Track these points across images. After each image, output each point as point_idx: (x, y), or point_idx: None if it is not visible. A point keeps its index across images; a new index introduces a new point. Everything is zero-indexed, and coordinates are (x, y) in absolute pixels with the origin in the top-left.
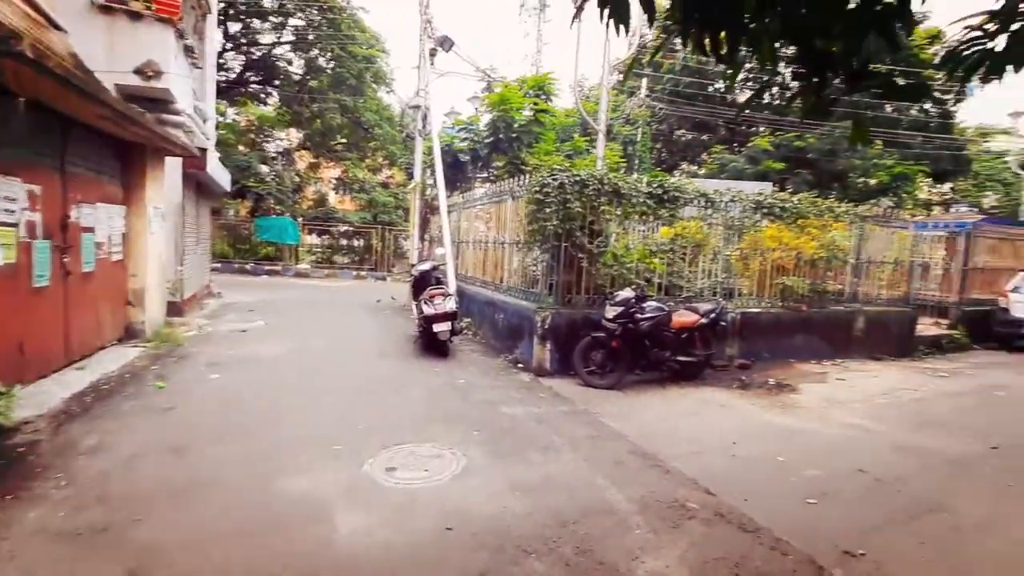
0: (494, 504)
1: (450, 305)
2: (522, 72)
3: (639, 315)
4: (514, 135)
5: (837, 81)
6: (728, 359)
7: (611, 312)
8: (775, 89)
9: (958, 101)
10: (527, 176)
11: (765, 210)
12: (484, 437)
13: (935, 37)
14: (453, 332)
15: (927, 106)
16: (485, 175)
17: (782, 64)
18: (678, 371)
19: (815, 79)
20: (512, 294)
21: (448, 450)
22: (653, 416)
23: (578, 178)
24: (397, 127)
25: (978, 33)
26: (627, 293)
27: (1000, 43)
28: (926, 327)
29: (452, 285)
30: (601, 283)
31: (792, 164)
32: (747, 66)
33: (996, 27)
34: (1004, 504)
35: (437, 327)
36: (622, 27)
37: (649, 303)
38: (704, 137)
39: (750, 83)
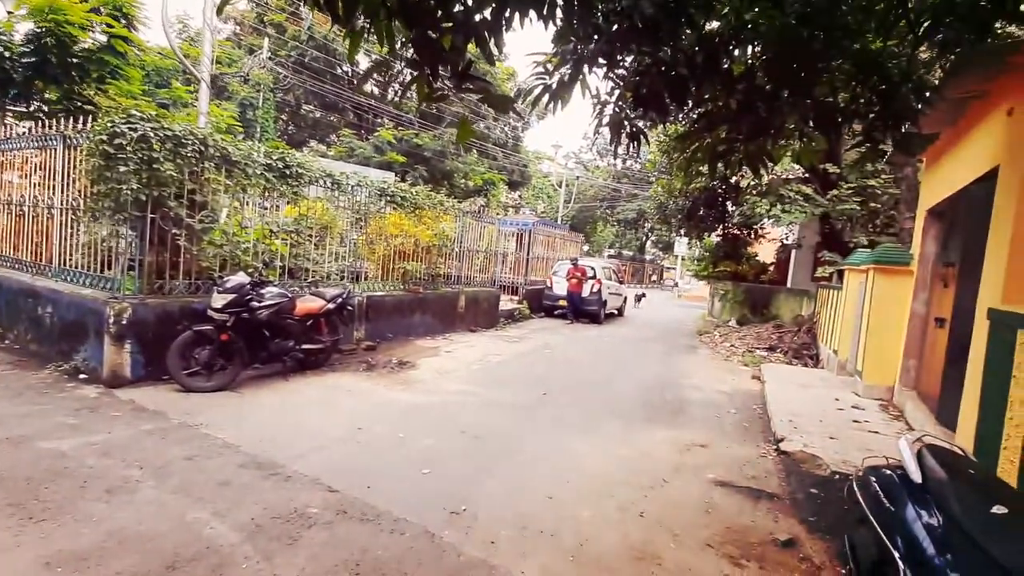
0: None
1: None
2: None
3: (256, 303)
4: (75, 61)
5: (449, 77)
6: (356, 342)
7: (220, 301)
8: (398, 86)
9: (524, 129)
10: (93, 119)
11: (389, 197)
12: None
13: (511, 75)
14: None
15: (506, 128)
16: (25, 108)
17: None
18: (304, 360)
19: (427, 68)
20: (68, 279)
21: None
22: (274, 414)
23: (171, 133)
24: None
25: (540, 70)
26: (240, 278)
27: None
28: (505, 302)
29: None
30: (208, 266)
31: (412, 159)
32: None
33: (553, 66)
34: (551, 436)
35: None
36: None
37: (269, 289)
38: (333, 118)
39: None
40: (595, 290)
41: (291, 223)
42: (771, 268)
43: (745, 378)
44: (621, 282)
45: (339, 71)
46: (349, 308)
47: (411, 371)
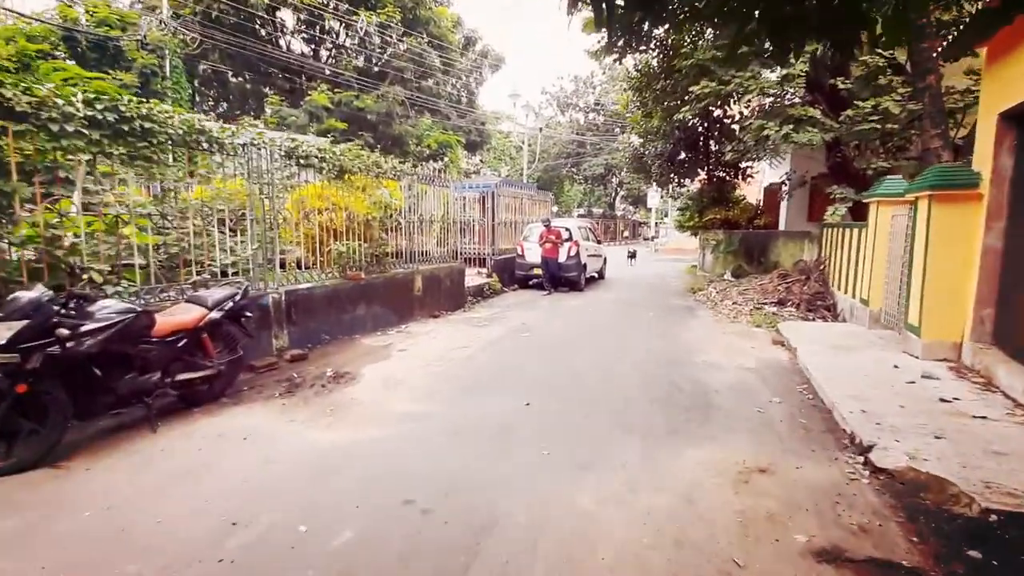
0: None
1: None
2: None
3: (69, 329)
4: None
5: None
6: (277, 353)
7: (2, 334)
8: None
9: (478, 84)
10: None
11: (302, 160)
12: None
13: (457, 23)
14: None
15: (457, 84)
16: None
17: None
18: (188, 394)
19: None
20: None
21: None
22: (96, 510)
23: None
24: None
25: None
26: (34, 294)
27: None
28: (472, 277)
29: None
30: (8, 276)
31: (354, 125)
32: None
33: None
34: (542, 484)
35: None
36: None
37: (102, 304)
38: (265, 88)
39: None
40: (573, 253)
41: (145, 204)
42: (763, 212)
43: (765, 344)
44: (599, 242)
45: (261, 31)
46: (248, 314)
47: (348, 387)
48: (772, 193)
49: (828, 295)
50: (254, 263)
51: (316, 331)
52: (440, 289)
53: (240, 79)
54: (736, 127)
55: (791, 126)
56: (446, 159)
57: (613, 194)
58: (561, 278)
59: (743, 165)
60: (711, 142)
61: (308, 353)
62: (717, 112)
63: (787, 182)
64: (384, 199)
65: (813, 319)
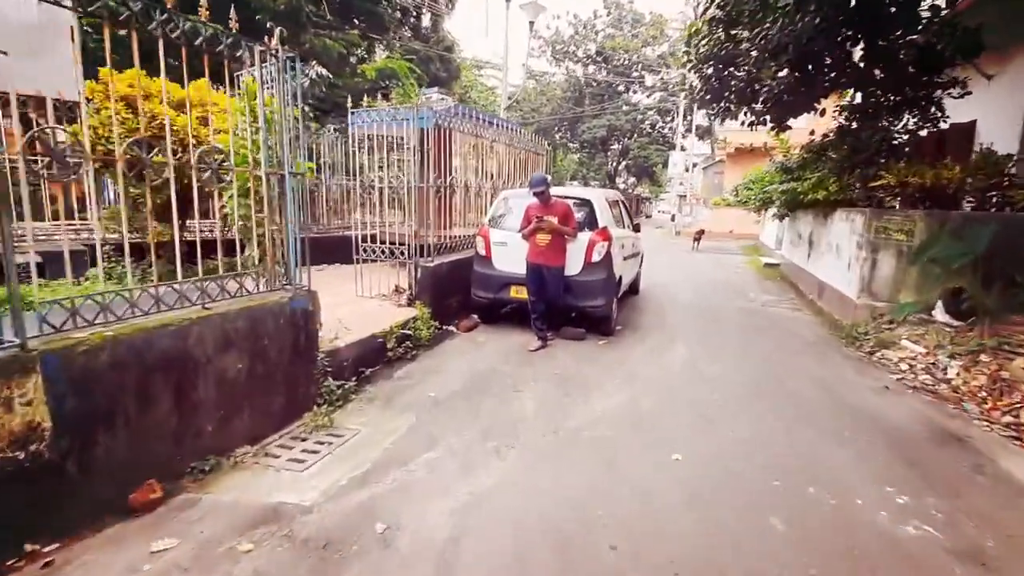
0: None
1: None
2: None
3: None
4: None
5: None
6: None
7: None
8: None
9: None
10: None
11: None
12: None
13: None
14: None
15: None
16: None
17: None
18: None
19: None
20: None
21: None
22: None
23: None
24: None
25: None
26: None
27: None
28: (369, 306)
29: None
30: None
31: (245, 32)
32: None
33: None
34: None
35: None
36: None
37: None
38: None
39: None
40: (598, 258)
41: None
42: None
43: None
44: (637, 228)
45: None
46: None
47: None
48: (951, 137)
49: None
50: None
51: None
52: (197, 387)
53: None
54: None
55: None
56: (390, 94)
57: (615, 163)
58: (569, 310)
59: (943, 79)
60: (859, 39)
61: None
62: None
63: None
64: None
65: None
